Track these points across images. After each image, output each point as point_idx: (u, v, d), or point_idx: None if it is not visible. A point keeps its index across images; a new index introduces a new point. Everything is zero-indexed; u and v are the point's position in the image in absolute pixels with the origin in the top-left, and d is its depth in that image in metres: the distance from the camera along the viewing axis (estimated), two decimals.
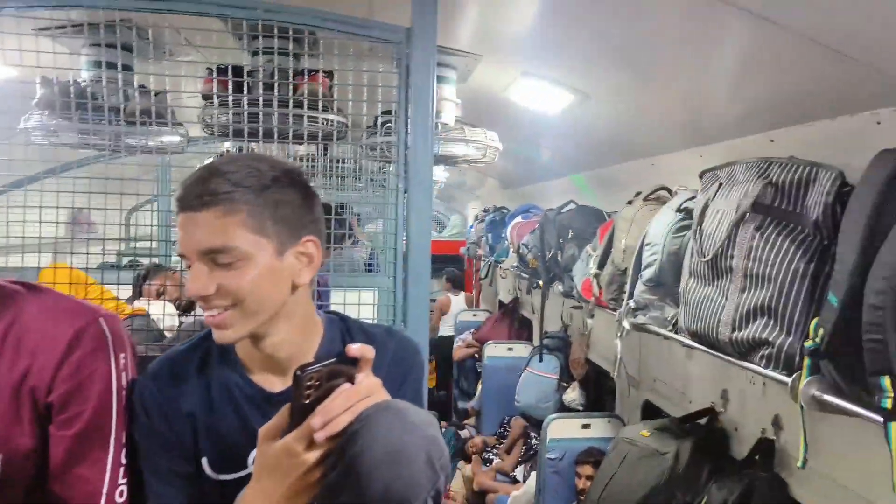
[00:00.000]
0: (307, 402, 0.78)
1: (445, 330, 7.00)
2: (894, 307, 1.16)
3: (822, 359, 1.36)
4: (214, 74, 1.85)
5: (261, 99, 1.68)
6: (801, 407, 1.42)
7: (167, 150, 2.12)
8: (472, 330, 6.23)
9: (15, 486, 0.94)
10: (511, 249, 4.42)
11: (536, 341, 4.57)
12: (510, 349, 5.22)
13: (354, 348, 0.81)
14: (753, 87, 1.79)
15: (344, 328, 1.03)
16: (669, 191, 2.39)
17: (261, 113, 1.68)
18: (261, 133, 1.69)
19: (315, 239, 0.95)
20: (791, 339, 1.53)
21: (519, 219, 4.52)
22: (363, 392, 0.80)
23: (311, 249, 0.95)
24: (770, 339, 1.57)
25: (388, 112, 2.21)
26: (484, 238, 5.57)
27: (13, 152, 1.66)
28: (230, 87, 1.79)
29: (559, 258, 3.23)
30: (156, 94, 1.93)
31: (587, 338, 3.96)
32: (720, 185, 1.88)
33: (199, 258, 0.87)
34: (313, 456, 0.80)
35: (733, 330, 1.69)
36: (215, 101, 1.82)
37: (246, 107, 1.69)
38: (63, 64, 1.70)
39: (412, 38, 1.20)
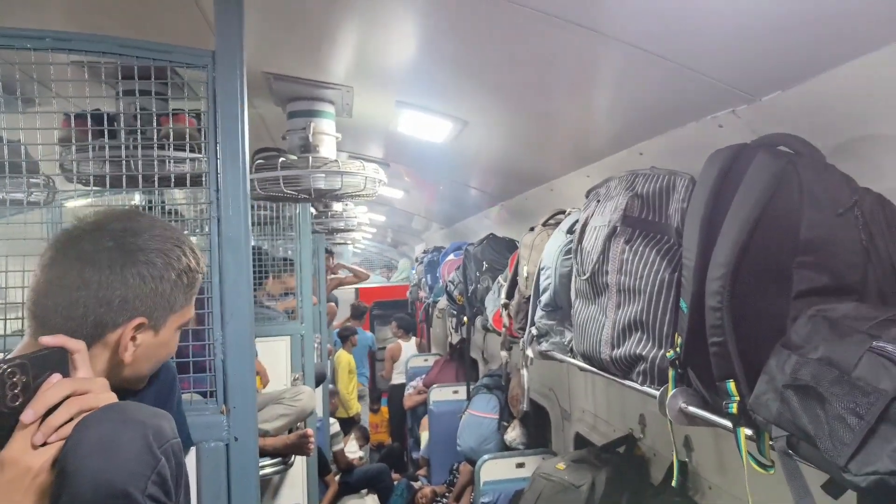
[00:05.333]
0: (16, 404, 0.71)
1: (397, 378, 6.84)
2: (730, 308, 1.12)
3: (683, 368, 1.31)
4: (72, 119, 1.77)
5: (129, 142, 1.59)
6: (670, 422, 1.35)
7: (39, 203, 2.03)
8: (422, 376, 6.09)
9: None
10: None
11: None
12: (455, 391, 5.09)
13: (49, 338, 0.77)
14: (621, 105, 1.81)
15: None
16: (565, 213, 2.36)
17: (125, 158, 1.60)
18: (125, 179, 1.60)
19: None
20: (662, 351, 1.47)
21: (451, 256, 4.47)
22: (80, 384, 0.75)
23: None
24: (644, 353, 1.52)
25: (264, 150, 2.15)
26: (423, 279, 5.50)
27: None
28: (90, 132, 1.72)
29: (477, 292, 3.17)
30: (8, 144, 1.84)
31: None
32: (598, 201, 1.86)
33: None
34: (38, 460, 0.72)
35: (612, 348, 1.63)
36: (73, 147, 1.74)
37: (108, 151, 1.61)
38: None
39: (217, 62, 1.15)
